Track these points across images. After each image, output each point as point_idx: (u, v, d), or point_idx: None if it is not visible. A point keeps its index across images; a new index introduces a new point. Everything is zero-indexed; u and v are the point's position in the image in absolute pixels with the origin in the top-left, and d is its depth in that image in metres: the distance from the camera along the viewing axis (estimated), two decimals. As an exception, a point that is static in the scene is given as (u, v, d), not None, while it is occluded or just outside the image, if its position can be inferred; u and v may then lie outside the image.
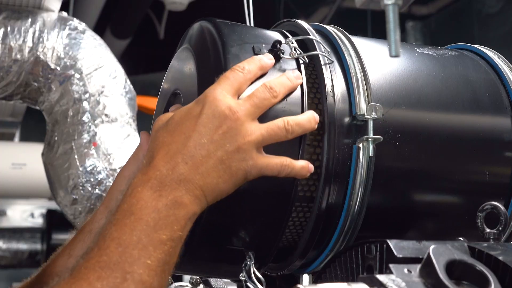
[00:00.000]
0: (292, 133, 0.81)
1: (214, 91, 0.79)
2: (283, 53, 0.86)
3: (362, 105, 0.85)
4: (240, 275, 0.82)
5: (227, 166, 0.77)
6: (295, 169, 0.82)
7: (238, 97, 0.81)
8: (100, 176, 2.27)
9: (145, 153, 0.80)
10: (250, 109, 0.80)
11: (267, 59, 0.84)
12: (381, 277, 0.63)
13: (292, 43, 0.88)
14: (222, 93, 0.79)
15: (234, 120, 0.78)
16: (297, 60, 0.88)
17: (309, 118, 0.83)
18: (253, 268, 0.82)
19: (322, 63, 0.87)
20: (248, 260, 0.82)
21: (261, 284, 0.81)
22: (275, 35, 0.92)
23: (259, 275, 0.82)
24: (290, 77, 0.85)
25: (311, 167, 0.83)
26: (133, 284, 0.69)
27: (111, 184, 2.25)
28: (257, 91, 0.81)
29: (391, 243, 0.69)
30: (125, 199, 0.75)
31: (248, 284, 0.82)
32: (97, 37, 2.45)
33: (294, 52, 0.87)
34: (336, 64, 0.89)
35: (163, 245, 0.71)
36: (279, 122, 0.81)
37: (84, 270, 0.69)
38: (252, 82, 0.83)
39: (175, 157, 0.76)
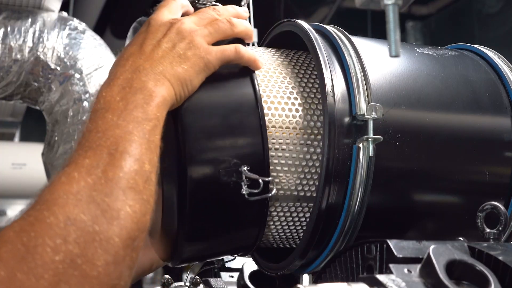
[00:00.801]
0: (235, 25, 0.87)
1: (153, 15, 0.86)
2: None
3: (362, 105, 0.85)
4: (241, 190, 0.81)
5: (183, 56, 0.81)
6: (249, 52, 0.87)
7: None
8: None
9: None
10: (194, 19, 0.86)
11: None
12: (381, 277, 0.63)
13: None
14: (161, 13, 0.86)
15: (180, 24, 0.84)
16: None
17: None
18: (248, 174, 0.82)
19: (322, 63, 0.87)
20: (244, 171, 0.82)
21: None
22: None
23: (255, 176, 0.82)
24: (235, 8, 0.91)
25: (261, 59, 0.89)
26: (122, 159, 0.71)
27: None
28: (201, 10, 0.88)
29: (391, 243, 0.69)
30: (95, 100, 0.78)
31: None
32: (97, 37, 2.46)
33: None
34: (336, 64, 0.89)
35: (141, 123, 0.74)
36: (219, 20, 0.87)
37: (74, 155, 0.72)
38: None
39: (130, 56, 0.81)
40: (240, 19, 0.90)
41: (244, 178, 0.80)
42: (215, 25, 0.86)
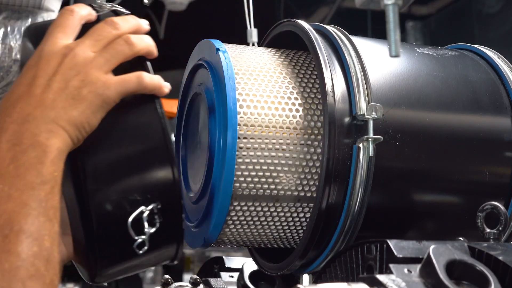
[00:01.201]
0: (134, 44, 0.75)
1: (45, 40, 0.74)
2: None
3: (362, 105, 0.85)
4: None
5: (77, 96, 0.71)
6: (153, 79, 0.75)
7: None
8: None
9: None
10: (89, 42, 0.74)
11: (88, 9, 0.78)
12: (381, 277, 0.63)
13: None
14: (54, 37, 0.74)
15: (73, 56, 0.72)
16: (115, 12, 0.82)
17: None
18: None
19: (322, 63, 0.87)
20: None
21: None
22: None
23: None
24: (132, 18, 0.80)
25: (167, 84, 0.77)
26: (19, 243, 0.63)
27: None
28: (97, 28, 0.75)
29: (391, 243, 0.69)
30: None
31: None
32: (97, 37, 2.45)
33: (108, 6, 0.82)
34: (336, 64, 0.89)
35: (36, 189, 0.66)
36: (116, 41, 0.75)
37: None
38: None
39: (18, 101, 0.70)
40: (141, 32, 0.79)
41: (149, 219, 0.71)
42: (112, 48, 0.75)
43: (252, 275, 1.07)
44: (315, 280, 0.82)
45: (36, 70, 0.72)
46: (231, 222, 0.90)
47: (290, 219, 0.92)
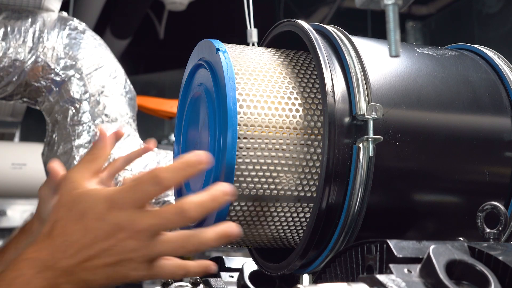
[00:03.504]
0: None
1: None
2: None
3: (362, 105, 0.85)
4: None
5: (115, 272, 0.74)
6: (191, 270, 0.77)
7: None
8: (100, 176, 2.27)
9: (45, 224, 0.77)
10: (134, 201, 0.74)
11: None
12: (381, 277, 0.63)
13: None
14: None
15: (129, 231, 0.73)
16: None
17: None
18: None
19: (322, 63, 0.87)
20: None
21: None
22: None
23: None
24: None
25: (208, 264, 0.77)
26: None
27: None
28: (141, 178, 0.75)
29: (391, 243, 0.69)
30: (11, 265, 0.74)
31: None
32: (97, 37, 2.45)
33: None
34: (336, 64, 0.89)
35: None
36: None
37: None
38: None
39: (69, 248, 0.74)
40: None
41: None
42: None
43: (252, 275, 1.07)
44: (315, 280, 0.82)
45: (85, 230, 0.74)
46: (231, 219, 0.90)
47: (290, 219, 0.92)
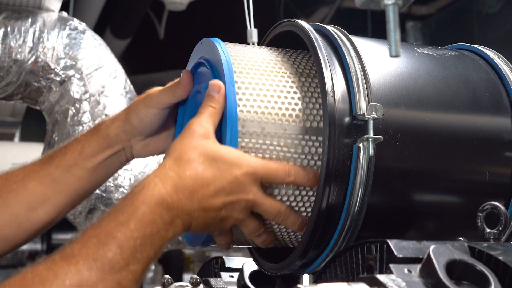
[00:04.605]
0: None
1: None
2: None
3: (362, 105, 0.85)
4: None
5: (214, 223, 0.85)
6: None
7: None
8: (100, 176, 2.26)
9: (172, 153, 0.85)
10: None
11: None
12: (381, 277, 0.63)
13: None
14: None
15: (246, 187, 0.85)
16: None
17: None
18: None
19: (322, 63, 0.87)
20: None
21: None
22: None
23: None
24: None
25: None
26: (116, 285, 0.74)
27: (111, 184, 2.25)
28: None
29: (391, 243, 0.69)
30: (132, 194, 0.79)
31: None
32: (97, 37, 2.45)
33: None
34: (336, 64, 0.89)
35: (149, 260, 0.77)
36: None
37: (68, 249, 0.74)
38: None
39: (194, 194, 0.81)
40: None
41: None
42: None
43: (252, 275, 1.07)
44: (315, 280, 0.82)
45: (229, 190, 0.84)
46: None
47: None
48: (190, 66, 1.02)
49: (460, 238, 0.78)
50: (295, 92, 0.90)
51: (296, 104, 0.89)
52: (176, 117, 1.04)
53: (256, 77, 0.90)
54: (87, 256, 0.73)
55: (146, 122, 1.00)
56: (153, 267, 5.17)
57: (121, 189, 2.25)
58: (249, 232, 0.89)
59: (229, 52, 0.91)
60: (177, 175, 0.81)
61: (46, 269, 0.71)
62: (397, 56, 0.77)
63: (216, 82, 0.89)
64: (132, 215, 0.77)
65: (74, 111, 2.30)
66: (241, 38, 2.05)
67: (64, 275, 0.71)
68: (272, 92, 0.89)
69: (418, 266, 0.65)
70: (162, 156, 0.95)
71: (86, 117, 2.30)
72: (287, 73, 0.92)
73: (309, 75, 0.93)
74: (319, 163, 0.89)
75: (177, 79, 1.00)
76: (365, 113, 0.84)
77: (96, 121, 2.30)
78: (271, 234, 0.91)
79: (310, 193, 0.90)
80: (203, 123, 0.87)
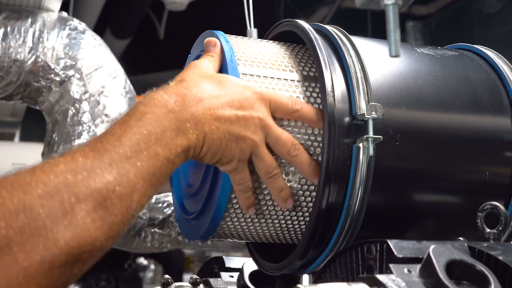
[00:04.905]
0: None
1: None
2: None
3: (362, 105, 0.85)
4: None
5: (228, 143, 0.82)
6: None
7: None
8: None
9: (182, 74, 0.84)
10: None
11: None
12: (381, 277, 0.63)
13: None
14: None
15: (259, 111, 0.84)
16: None
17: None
18: None
19: (322, 63, 0.87)
20: None
21: None
22: None
23: None
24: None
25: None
26: (118, 175, 0.68)
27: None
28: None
29: (391, 243, 0.69)
30: (143, 101, 0.77)
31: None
32: (97, 37, 2.45)
33: None
34: (336, 64, 0.89)
35: (156, 158, 0.73)
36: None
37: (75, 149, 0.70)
38: None
39: (201, 97, 0.80)
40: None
41: None
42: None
43: (252, 275, 1.07)
44: (315, 280, 0.82)
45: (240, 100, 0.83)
46: (229, 215, 0.90)
47: (288, 218, 0.92)
48: (191, 58, 1.02)
49: (460, 238, 0.78)
50: (296, 86, 0.90)
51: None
52: None
53: (258, 69, 0.90)
54: (83, 149, 0.69)
55: None
56: (153, 267, 5.17)
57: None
58: (266, 170, 0.85)
59: (232, 43, 0.92)
60: (184, 89, 0.80)
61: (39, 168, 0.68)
62: (397, 56, 0.77)
63: (211, 39, 0.91)
64: (131, 116, 0.75)
65: (74, 111, 2.30)
66: (241, 38, 2.04)
67: (58, 163, 0.67)
68: (274, 85, 0.89)
69: (418, 266, 0.65)
70: None
71: (86, 117, 2.30)
72: (289, 71, 0.92)
73: (309, 74, 0.93)
74: (318, 163, 0.89)
75: None
76: (365, 113, 0.84)
77: (96, 121, 2.31)
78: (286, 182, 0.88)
79: (308, 193, 0.90)
80: (205, 62, 0.88)
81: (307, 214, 0.91)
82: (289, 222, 0.92)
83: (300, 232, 0.94)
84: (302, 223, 0.93)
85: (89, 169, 0.68)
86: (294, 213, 0.91)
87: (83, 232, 0.65)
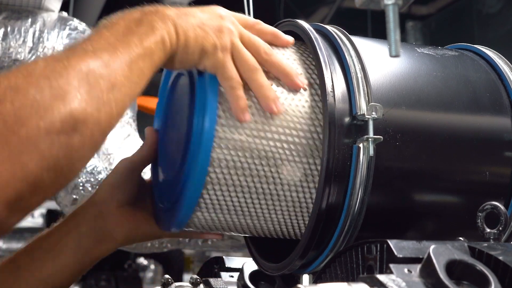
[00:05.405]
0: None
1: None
2: None
3: (362, 105, 0.85)
4: None
5: (205, 31, 0.84)
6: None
7: None
8: (100, 176, 2.27)
9: None
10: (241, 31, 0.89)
11: None
12: (381, 277, 0.63)
13: None
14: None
15: (225, 16, 0.87)
16: None
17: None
18: None
19: (322, 63, 0.87)
20: None
21: None
22: None
23: None
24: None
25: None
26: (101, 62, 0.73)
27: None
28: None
29: (391, 243, 0.69)
30: (107, 21, 0.83)
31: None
32: (97, 37, 2.45)
33: None
34: (336, 64, 0.89)
35: (131, 48, 0.77)
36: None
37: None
38: None
39: (170, 8, 0.84)
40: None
41: None
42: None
43: (252, 275, 1.07)
44: (315, 280, 0.82)
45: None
46: (201, 207, 0.89)
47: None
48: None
49: (460, 238, 0.78)
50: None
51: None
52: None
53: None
54: (59, 57, 0.73)
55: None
56: (153, 267, 5.18)
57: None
58: (249, 65, 0.87)
59: None
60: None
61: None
62: (397, 56, 0.77)
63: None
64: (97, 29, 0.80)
65: (74, 111, 2.30)
66: (241, 38, 2.04)
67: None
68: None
69: (418, 266, 0.65)
70: None
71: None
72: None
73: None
74: (318, 163, 0.89)
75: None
76: (365, 113, 0.85)
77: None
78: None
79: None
80: None
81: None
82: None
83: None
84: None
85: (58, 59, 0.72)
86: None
87: (72, 101, 0.69)
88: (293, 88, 0.88)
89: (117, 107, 0.74)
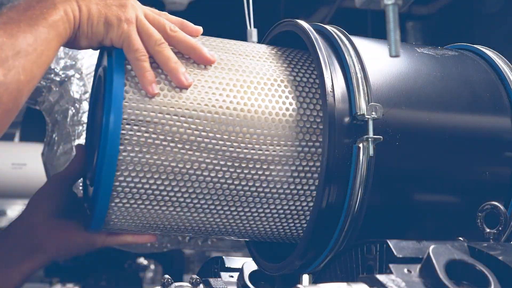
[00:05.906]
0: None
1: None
2: None
3: (362, 105, 0.85)
4: None
5: (108, 5, 0.86)
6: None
7: None
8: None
9: None
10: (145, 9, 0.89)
11: None
12: (381, 277, 0.63)
13: None
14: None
15: None
16: None
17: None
18: None
19: (322, 63, 0.87)
20: None
21: None
22: None
23: None
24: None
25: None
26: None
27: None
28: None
29: (391, 243, 0.69)
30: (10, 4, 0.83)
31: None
32: (97, 37, 2.45)
33: None
34: (336, 64, 0.89)
35: (33, 20, 0.80)
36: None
37: None
38: None
39: None
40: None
41: None
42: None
43: (252, 275, 1.08)
44: (315, 280, 0.82)
45: None
46: (118, 192, 0.85)
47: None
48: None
49: (460, 238, 0.78)
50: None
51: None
52: None
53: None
54: None
55: None
56: (153, 267, 5.18)
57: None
58: (154, 39, 0.86)
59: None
60: None
61: None
62: (397, 56, 0.77)
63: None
64: None
65: (74, 111, 2.30)
66: (241, 38, 2.04)
67: None
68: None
69: (418, 266, 0.65)
70: None
71: (86, 117, 2.29)
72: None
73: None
74: (318, 163, 0.89)
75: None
76: (365, 113, 0.85)
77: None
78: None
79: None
80: None
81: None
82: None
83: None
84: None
85: None
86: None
87: None
88: (202, 63, 0.88)
89: (24, 73, 0.78)
